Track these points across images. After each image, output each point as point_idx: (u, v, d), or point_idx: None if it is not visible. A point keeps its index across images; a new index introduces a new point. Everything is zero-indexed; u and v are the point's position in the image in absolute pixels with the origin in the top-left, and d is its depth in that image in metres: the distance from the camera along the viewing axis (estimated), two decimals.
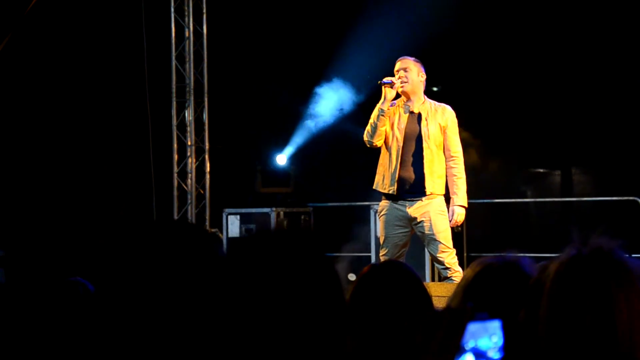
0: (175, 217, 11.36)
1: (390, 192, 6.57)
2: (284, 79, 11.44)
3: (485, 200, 10.45)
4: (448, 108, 6.69)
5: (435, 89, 11.94)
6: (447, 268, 6.48)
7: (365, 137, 6.64)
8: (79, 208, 10.97)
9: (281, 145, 11.75)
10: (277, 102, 11.49)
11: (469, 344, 1.56)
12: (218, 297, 1.55)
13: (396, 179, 6.56)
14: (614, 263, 1.73)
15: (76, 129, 11.21)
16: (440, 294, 5.23)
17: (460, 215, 6.57)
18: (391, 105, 6.61)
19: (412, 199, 6.54)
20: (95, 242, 9.43)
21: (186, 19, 11.32)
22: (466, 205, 6.60)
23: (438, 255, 6.48)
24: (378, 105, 6.60)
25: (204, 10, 11.36)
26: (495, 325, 1.58)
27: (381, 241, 6.66)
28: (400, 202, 6.57)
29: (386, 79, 6.60)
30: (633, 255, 9.37)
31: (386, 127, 6.60)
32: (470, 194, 9.85)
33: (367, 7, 11.00)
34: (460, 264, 9.44)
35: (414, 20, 10.56)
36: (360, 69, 9.53)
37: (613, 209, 10.24)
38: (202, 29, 11.38)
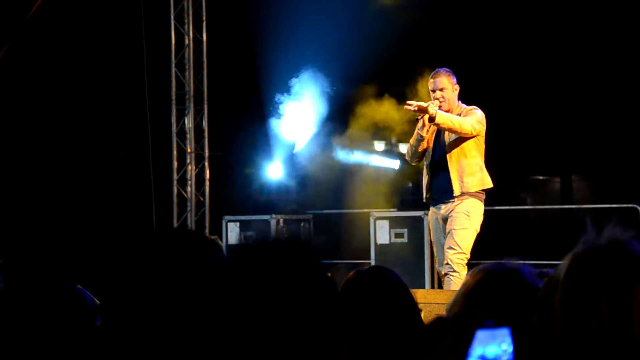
0: (175, 224, 11.34)
1: (426, 199, 6.91)
2: (283, 85, 11.44)
3: (485, 207, 10.43)
4: (472, 108, 6.82)
5: None
6: (447, 263, 6.57)
7: (406, 157, 7.03)
8: (79, 215, 10.97)
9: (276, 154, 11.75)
10: (277, 108, 11.48)
11: (477, 351, 1.55)
12: (217, 304, 1.55)
13: (426, 186, 6.87)
14: (629, 254, 1.71)
15: (76, 136, 11.21)
16: (438, 301, 5.22)
17: (430, 108, 6.45)
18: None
19: (445, 200, 6.75)
20: (96, 250, 9.42)
21: (186, 26, 11.32)
22: (435, 119, 6.46)
23: (446, 248, 6.63)
24: (416, 130, 6.78)
25: (204, 18, 11.36)
26: (504, 333, 1.58)
27: (433, 246, 7.01)
28: (435, 206, 6.84)
29: (421, 108, 6.57)
30: None
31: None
32: None
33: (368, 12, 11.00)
34: None
35: (417, 26, 10.57)
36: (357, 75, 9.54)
37: (613, 216, 10.23)
38: (201, 36, 11.39)
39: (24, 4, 9.54)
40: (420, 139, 6.74)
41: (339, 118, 10.07)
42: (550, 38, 11.17)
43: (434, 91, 6.77)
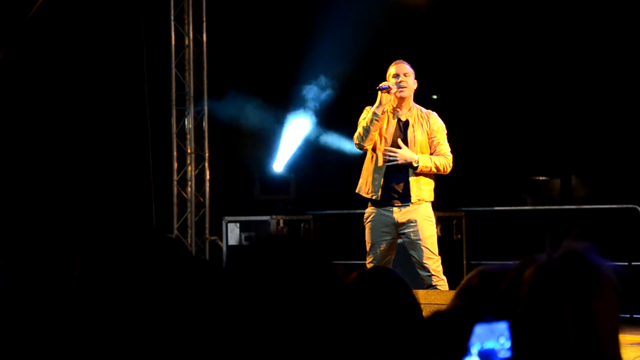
0: (175, 224, 11.36)
1: (374, 197, 6.60)
2: (283, 86, 11.45)
3: (485, 208, 10.44)
4: (434, 114, 6.68)
5: (434, 96, 11.94)
6: (431, 275, 6.45)
7: (356, 140, 6.63)
8: (79, 216, 10.96)
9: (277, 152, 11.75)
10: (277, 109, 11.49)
11: (475, 346, 1.55)
12: (218, 307, 1.55)
13: (381, 184, 6.58)
14: (587, 264, 1.72)
15: (76, 137, 11.21)
16: (439, 301, 5.22)
17: (404, 154, 6.52)
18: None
19: (399, 204, 6.55)
20: (96, 251, 9.40)
21: (186, 27, 11.33)
22: (416, 164, 6.52)
23: (424, 261, 6.47)
24: (372, 109, 6.57)
25: (204, 19, 11.36)
26: (502, 327, 1.58)
27: (367, 248, 6.66)
28: (386, 207, 6.59)
29: (384, 84, 6.58)
30: (632, 263, 9.36)
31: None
32: (470, 201, 9.81)
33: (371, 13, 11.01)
34: (460, 272, 9.46)
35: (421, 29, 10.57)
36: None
37: (613, 216, 10.24)
38: (202, 37, 11.39)
39: (23, 5, 9.54)
40: (376, 118, 6.49)
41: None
42: (550, 39, 11.17)
43: (397, 75, 6.59)
